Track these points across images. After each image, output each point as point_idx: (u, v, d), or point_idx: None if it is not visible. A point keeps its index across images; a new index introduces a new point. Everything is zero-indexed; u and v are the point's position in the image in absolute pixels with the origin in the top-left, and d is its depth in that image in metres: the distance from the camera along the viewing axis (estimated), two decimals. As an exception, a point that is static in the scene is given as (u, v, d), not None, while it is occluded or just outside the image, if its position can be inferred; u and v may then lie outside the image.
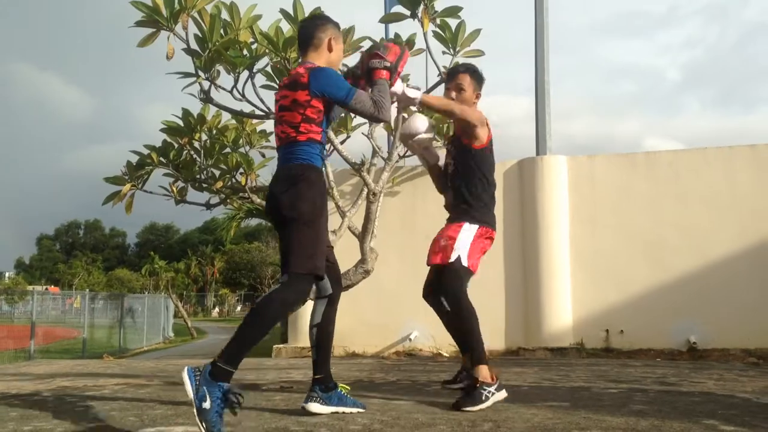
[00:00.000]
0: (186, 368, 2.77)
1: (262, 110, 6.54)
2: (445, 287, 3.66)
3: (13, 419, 3.30)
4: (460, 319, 3.66)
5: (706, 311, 8.21)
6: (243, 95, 6.57)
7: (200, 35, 6.37)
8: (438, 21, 6.75)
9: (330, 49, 3.39)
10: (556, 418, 3.16)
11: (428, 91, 7.44)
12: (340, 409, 3.29)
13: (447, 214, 3.95)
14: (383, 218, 8.17)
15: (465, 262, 3.65)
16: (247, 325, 2.93)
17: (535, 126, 9.39)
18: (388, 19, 7.54)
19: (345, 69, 3.81)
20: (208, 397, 2.70)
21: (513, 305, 8.65)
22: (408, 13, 6.71)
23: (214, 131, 7.59)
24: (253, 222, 10.01)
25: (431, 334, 8.68)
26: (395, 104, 3.70)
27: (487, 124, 3.89)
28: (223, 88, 6.67)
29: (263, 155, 7.37)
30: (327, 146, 8.08)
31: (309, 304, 8.49)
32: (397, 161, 8.32)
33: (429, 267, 3.85)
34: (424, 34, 6.82)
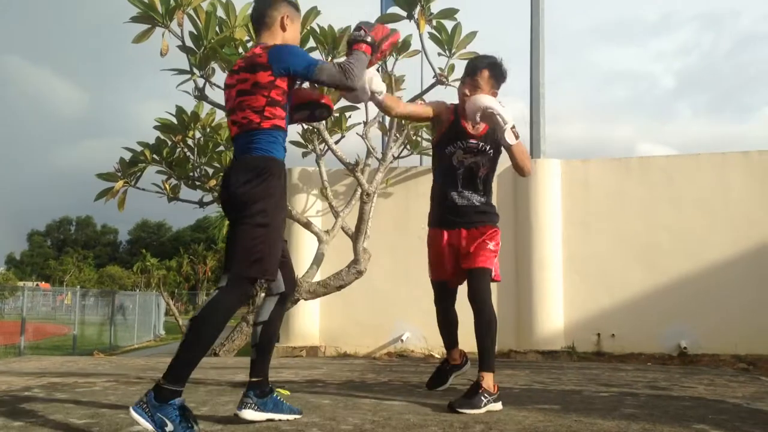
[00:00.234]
0: (130, 408, 2.63)
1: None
2: (481, 291, 3.70)
3: (2, 414, 3.28)
4: (488, 324, 3.66)
5: (697, 316, 8.25)
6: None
7: (195, 32, 6.36)
8: (434, 23, 6.76)
9: (284, 28, 3.15)
10: (548, 421, 3.16)
11: (424, 92, 7.45)
12: (276, 416, 3.04)
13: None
14: (376, 219, 8.18)
15: (495, 271, 3.82)
16: (191, 340, 2.73)
17: (529, 129, 9.42)
18: (384, 20, 7.53)
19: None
20: (166, 420, 2.59)
21: (505, 307, 8.65)
22: (404, 14, 6.72)
23: (208, 129, 7.58)
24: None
25: (423, 336, 8.67)
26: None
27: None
28: (218, 86, 6.66)
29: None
30: (321, 146, 8.09)
31: (305, 304, 8.48)
32: (391, 162, 8.33)
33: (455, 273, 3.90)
34: (420, 36, 6.84)
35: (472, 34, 6.88)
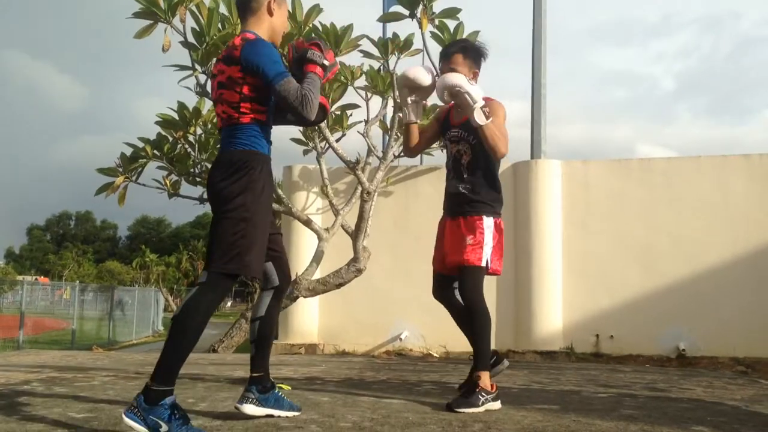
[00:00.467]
0: (123, 414, 2.61)
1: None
2: (468, 286, 3.60)
3: (1, 408, 3.28)
4: (477, 321, 3.57)
5: (696, 318, 8.25)
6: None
7: (198, 29, 6.36)
8: (436, 22, 6.76)
9: (271, 13, 3.03)
10: (546, 421, 3.17)
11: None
12: (276, 412, 3.05)
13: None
14: (376, 218, 8.18)
15: (490, 267, 3.63)
16: (174, 339, 2.69)
17: (530, 129, 9.41)
18: (387, 18, 7.55)
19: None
20: (160, 421, 2.57)
21: (504, 307, 8.65)
22: (407, 13, 6.71)
23: (209, 125, 7.58)
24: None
25: (421, 334, 8.68)
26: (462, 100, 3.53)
27: None
28: (220, 83, 6.64)
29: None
30: (322, 144, 8.09)
31: (304, 302, 8.49)
32: (392, 161, 8.33)
33: (446, 266, 3.76)
34: (422, 35, 6.83)
35: (474, 34, 6.87)
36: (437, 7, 6.70)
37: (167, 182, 7.81)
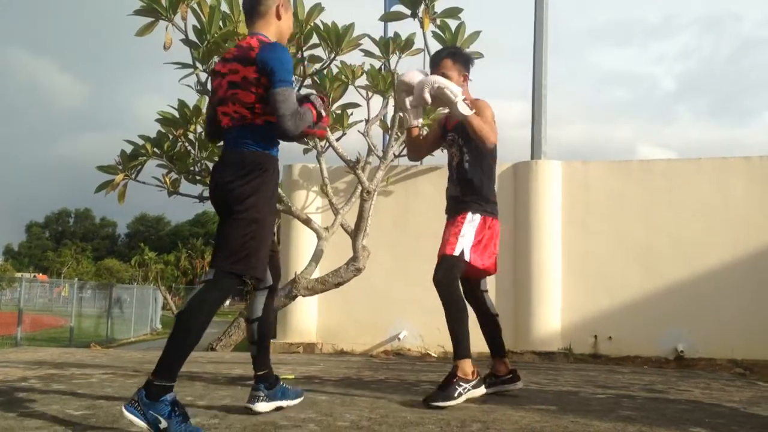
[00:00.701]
0: (123, 408, 2.60)
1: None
2: (437, 276, 3.64)
3: (-1, 405, 3.28)
4: (448, 310, 3.60)
5: (694, 320, 8.26)
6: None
7: (199, 27, 6.36)
8: (438, 21, 6.76)
9: (279, 17, 3.08)
10: (544, 421, 3.17)
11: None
12: (284, 402, 3.17)
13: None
14: (376, 217, 8.18)
15: (467, 257, 3.65)
16: (177, 335, 2.71)
17: (531, 130, 9.41)
18: (388, 17, 7.55)
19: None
20: (160, 417, 2.56)
21: (502, 307, 8.59)
22: (408, 12, 6.72)
23: (210, 124, 7.56)
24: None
25: (420, 334, 8.69)
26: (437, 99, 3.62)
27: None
28: (221, 81, 6.64)
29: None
30: (323, 143, 8.08)
31: (303, 301, 8.47)
32: (392, 160, 8.33)
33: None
34: (424, 34, 6.84)
35: (476, 34, 6.87)
36: (439, 7, 6.70)
37: (167, 180, 7.81)
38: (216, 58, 6.50)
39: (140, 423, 2.57)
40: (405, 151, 8.75)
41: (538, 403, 3.79)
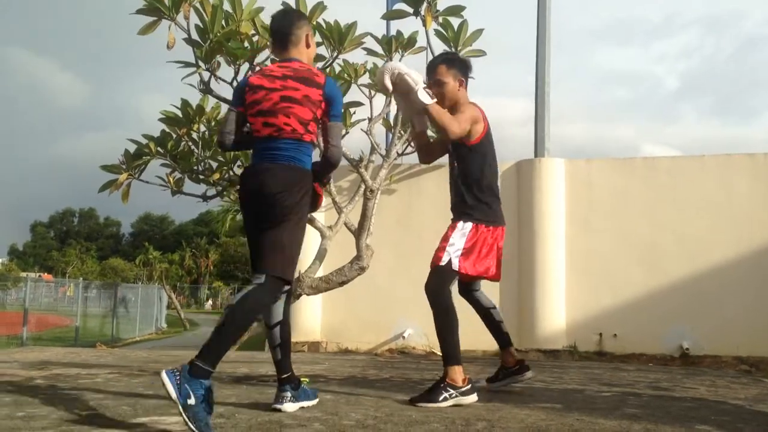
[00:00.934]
0: (164, 370, 2.71)
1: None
2: (427, 284, 3.72)
3: (6, 405, 3.29)
4: (436, 318, 3.67)
5: (699, 318, 8.24)
6: (243, 88, 6.54)
7: (201, 26, 6.35)
8: (440, 20, 6.75)
9: (308, 45, 3.40)
10: (549, 420, 3.16)
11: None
12: (306, 403, 3.31)
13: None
14: (379, 216, 8.16)
15: (455, 266, 3.69)
16: (226, 326, 2.89)
17: (534, 128, 9.39)
18: (390, 16, 7.54)
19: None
20: (191, 393, 2.67)
21: (506, 306, 8.64)
22: (411, 10, 6.70)
23: (213, 123, 7.56)
24: (249, 215, 9.84)
25: (424, 333, 8.67)
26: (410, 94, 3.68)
27: (483, 119, 3.87)
28: (224, 80, 6.64)
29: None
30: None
31: (307, 300, 8.44)
32: (395, 159, 8.31)
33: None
34: (426, 33, 6.82)
35: (479, 32, 6.85)
36: (441, 5, 6.68)
37: (170, 179, 7.80)
38: (219, 57, 6.50)
39: (171, 390, 2.65)
40: (408, 150, 8.79)
41: (543, 401, 3.79)
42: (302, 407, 3.25)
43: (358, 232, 7.73)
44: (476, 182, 3.83)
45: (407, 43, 7.21)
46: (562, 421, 3.14)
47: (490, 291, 3.85)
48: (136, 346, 16.71)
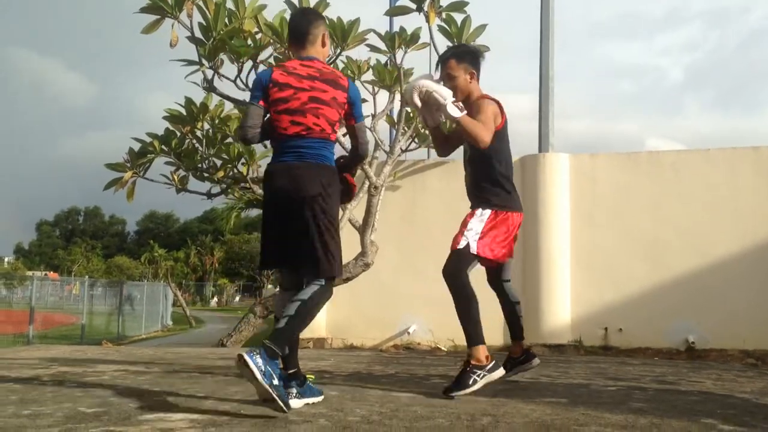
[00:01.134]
0: (245, 354, 2.83)
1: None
2: (445, 268, 3.78)
3: (12, 403, 3.30)
4: (456, 300, 3.74)
5: (705, 311, 8.22)
6: (246, 85, 6.56)
7: (204, 24, 6.36)
8: (444, 15, 6.74)
9: (324, 45, 3.49)
10: (555, 414, 3.17)
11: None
12: (311, 399, 3.33)
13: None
14: (383, 212, 8.17)
15: (473, 249, 3.76)
16: (296, 318, 3.08)
17: (538, 123, 9.36)
18: (394, 12, 7.53)
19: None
20: (273, 374, 2.84)
21: (512, 301, 8.63)
22: (414, 6, 6.70)
23: (217, 120, 7.58)
24: (253, 212, 10.01)
25: (429, 328, 8.68)
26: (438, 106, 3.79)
27: (501, 111, 3.91)
28: (227, 78, 6.66)
29: (265, 146, 7.39)
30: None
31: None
32: (399, 155, 8.32)
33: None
34: (430, 29, 6.82)
35: (482, 27, 6.85)
36: (444, 1, 6.68)
37: (175, 177, 7.82)
38: (222, 55, 6.50)
39: (256, 370, 2.79)
40: (412, 146, 8.80)
41: (548, 396, 3.79)
42: (307, 404, 3.26)
43: (363, 228, 7.74)
44: (494, 170, 3.92)
45: (410, 40, 7.21)
46: (567, 415, 3.14)
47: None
48: (142, 343, 16.75)
